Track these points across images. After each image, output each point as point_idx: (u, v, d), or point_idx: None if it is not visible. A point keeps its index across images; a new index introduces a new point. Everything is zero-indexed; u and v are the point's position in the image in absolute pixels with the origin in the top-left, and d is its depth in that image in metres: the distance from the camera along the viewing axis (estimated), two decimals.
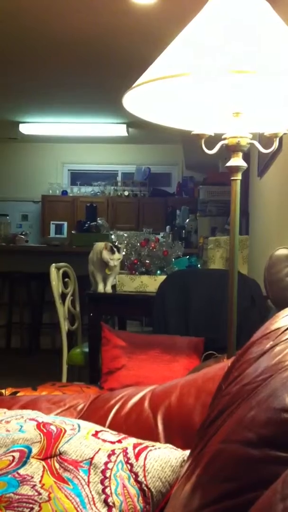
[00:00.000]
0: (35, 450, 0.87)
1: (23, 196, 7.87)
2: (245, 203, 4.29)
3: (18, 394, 1.78)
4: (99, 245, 2.94)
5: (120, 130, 6.83)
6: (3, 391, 1.89)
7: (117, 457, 0.87)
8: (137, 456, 0.88)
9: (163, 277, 2.75)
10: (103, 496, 0.81)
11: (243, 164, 1.49)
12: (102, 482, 0.82)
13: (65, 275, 3.23)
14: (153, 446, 0.91)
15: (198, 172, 7.20)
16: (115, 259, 2.85)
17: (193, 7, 1.47)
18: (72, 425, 0.95)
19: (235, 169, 1.49)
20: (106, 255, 2.83)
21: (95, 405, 1.20)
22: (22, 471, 0.83)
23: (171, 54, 1.33)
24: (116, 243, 2.94)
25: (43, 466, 0.84)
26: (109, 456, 0.87)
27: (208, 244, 3.46)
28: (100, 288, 2.94)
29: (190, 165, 7.09)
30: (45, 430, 0.92)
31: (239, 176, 1.50)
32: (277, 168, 2.79)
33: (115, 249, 2.84)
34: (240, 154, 1.48)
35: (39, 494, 0.79)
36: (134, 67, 2.45)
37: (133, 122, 6.38)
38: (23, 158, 7.94)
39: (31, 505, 0.77)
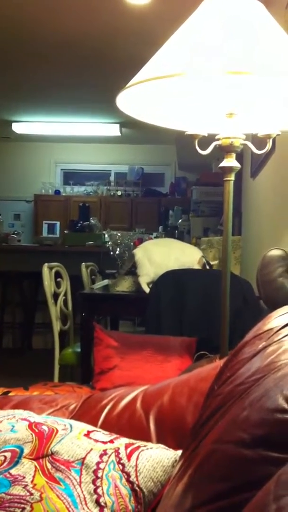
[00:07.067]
0: (26, 450, 0.87)
1: (15, 195, 7.84)
2: (238, 203, 4.30)
3: (10, 394, 1.77)
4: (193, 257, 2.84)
5: (113, 129, 6.82)
6: None
7: (109, 457, 0.87)
8: (129, 456, 0.87)
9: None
10: (95, 496, 0.80)
11: (236, 164, 1.49)
12: (94, 482, 0.82)
13: (57, 274, 3.23)
14: (145, 446, 0.91)
15: (191, 172, 7.20)
16: None
17: (188, 7, 1.47)
18: (64, 425, 0.95)
19: (228, 169, 1.49)
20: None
21: (87, 405, 1.19)
22: (13, 471, 0.82)
23: (165, 54, 1.33)
24: (204, 259, 2.87)
25: (35, 466, 0.84)
26: (101, 456, 0.87)
27: (200, 244, 3.47)
28: (145, 288, 2.82)
29: (183, 166, 7.09)
30: (37, 430, 0.92)
31: (232, 177, 1.50)
32: (270, 169, 2.80)
33: (207, 267, 2.81)
34: (234, 154, 1.48)
35: (31, 494, 0.78)
36: (128, 67, 2.44)
37: (127, 122, 6.37)
38: (15, 157, 7.92)
39: (22, 505, 0.77)
